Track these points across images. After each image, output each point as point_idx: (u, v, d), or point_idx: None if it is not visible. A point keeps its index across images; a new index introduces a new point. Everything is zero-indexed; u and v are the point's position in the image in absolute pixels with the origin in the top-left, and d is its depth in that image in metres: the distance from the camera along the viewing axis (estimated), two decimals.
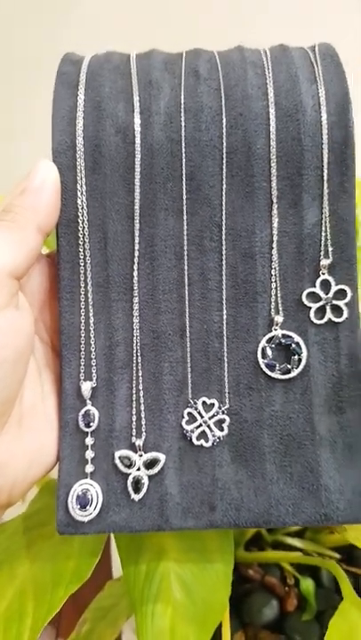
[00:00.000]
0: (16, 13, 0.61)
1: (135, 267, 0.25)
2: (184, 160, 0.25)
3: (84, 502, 0.24)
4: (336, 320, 0.25)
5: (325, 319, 0.25)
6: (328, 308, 0.25)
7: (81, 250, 0.25)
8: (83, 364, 0.25)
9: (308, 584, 0.41)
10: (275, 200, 0.25)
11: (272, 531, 0.45)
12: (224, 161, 0.25)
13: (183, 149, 0.25)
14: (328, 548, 0.44)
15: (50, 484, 0.32)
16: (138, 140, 0.25)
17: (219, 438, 0.25)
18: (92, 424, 0.25)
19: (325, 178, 0.25)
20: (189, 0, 0.59)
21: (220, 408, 0.25)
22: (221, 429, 0.25)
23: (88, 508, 0.24)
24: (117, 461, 0.24)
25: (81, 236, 0.25)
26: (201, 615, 0.28)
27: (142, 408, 0.25)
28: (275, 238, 0.25)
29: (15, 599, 0.27)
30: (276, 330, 0.25)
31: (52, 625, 0.37)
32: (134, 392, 0.25)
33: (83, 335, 0.25)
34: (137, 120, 0.25)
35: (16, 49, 0.62)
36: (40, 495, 0.32)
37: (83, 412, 0.25)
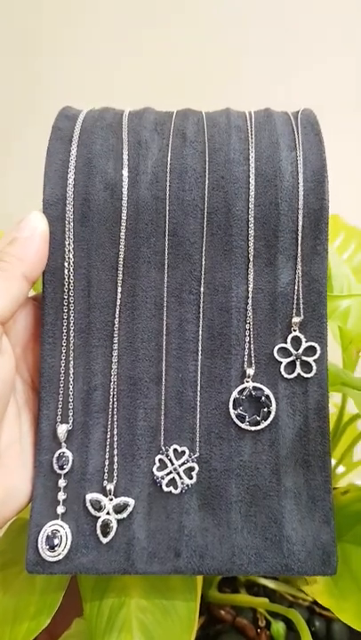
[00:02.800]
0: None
1: (117, 315, 0.27)
2: (168, 217, 0.27)
3: (52, 543, 0.25)
4: (305, 375, 0.27)
5: (295, 374, 0.27)
6: (298, 363, 0.27)
7: (65, 296, 0.27)
8: (60, 406, 0.27)
9: (278, 627, 0.42)
10: (251, 259, 0.27)
11: None
12: (205, 220, 0.27)
13: (167, 207, 0.27)
14: (301, 591, 0.45)
15: (17, 523, 0.33)
16: (125, 197, 0.27)
17: (187, 486, 0.27)
18: (65, 466, 0.26)
19: (300, 241, 0.27)
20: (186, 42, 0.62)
21: (190, 456, 0.27)
22: (190, 477, 0.27)
23: (57, 548, 0.25)
24: (88, 504, 0.26)
25: (66, 283, 0.27)
26: None
27: (115, 452, 0.27)
28: (250, 294, 0.27)
29: None
30: (247, 382, 0.27)
31: None
32: (109, 436, 0.27)
33: (62, 378, 0.27)
34: (125, 178, 0.27)
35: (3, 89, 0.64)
36: (7, 534, 0.33)
37: (57, 453, 0.26)
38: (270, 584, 0.44)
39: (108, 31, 0.62)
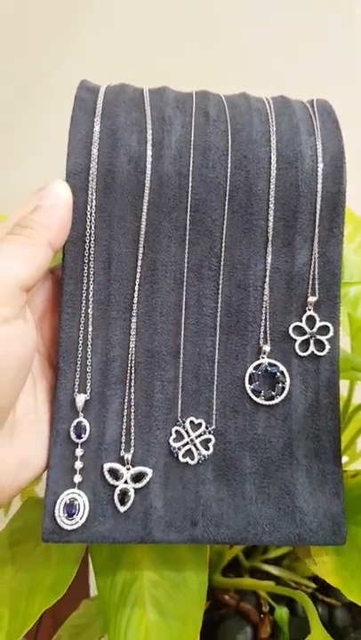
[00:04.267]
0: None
1: (136, 288, 0.28)
2: (190, 193, 0.28)
3: (70, 511, 0.26)
4: (318, 353, 0.29)
5: (309, 352, 0.29)
6: (312, 341, 0.29)
7: (85, 267, 0.28)
8: (78, 376, 0.28)
9: (282, 612, 0.44)
10: (270, 238, 0.29)
11: (250, 557, 0.47)
12: (227, 198, 0.28)
13: (190, 183, 0.28)
14: (305, 577, 0.46)
15: (28, 502, 0.34)
16: (148, 171, 0.28)
17: (204, 457, 0.28)
18: (82, 435, 0.27)
19: (317, 223, 0.29)
20: (192, 39, 0.63)
21: (206, 428, 0.28)
22: (207, 448, 0.28)
23: (75, 516, 0.26)
24: (106, 473, 0.27)
25: (87, 254, 0.28)
26: (174, 637, 0.30)
27: (132, 423, 0.28)
28: (267, 273, 0.29)
29: None
30: (263, 358, 0.29)
31: (28, 638, 0.39)
32: (126, 407, 0.28)
33: (80, 349, 0.28)
34: (149, 152, 0.28)
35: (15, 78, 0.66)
36: (19, 513, 0.34)
37: (75, 423, 0.27)
38: (274, 570, 0.46)
39: (111, 27, 0.64)
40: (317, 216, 0.29)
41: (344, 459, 0.49)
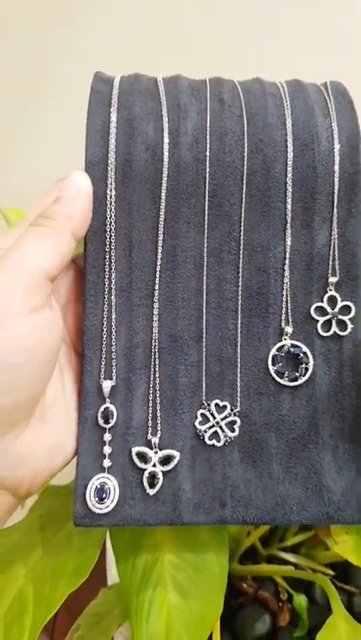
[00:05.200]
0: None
1: (157, 274, 0.29)
2: (208, 178, 0.29)
3: (101, 495, 0.27)
4: (341, 333, 0.30)
5: (331, 332, 0.30)
6: (334, 322, 0.30)
7: (107, 256, 0.29)
8: (103, 363, 0.29)
9: (300, 600, 0.45)
10: (289, 220, 0.30)
11: (267, 545, 0.48)
12: (244, 182, 0.29)
13: (208, 169, 0.29)
14: (322, 565, 0.48)
15: (49, 490, 0.35)
16: (166, 158, 0.29)
17: (230, 439, 0.29)
18: (110, 421, 0.28)
19: (335, 203, 0.30)
20: (195, 37, 0.64)
21: (231, 410, 0.29)
22: (233, 430, 0.29)
23: (105, 500, 0.27)
24: (134, 457, 0.28)
25: (108, 243, 0.29)
26: (196, 618, 0.31)
27: (158, 407, 0.29)
28: (287, 255, 0.30)
29: (16, 600, 0.30)
30: (285, 339, 0.30)
31: (45, 633, 0.40)
32: (151, 392, 0.29)
33: (104, 336, 0.29)
34: (166, 139, 0.29)
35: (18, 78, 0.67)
36: (40, 501, 0.35)
37: (102, 409, 0.28)
38: (291, 558, 0.47)
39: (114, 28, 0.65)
40: (335, 197, 0.30)
41: None
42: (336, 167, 0.30)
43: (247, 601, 0.45)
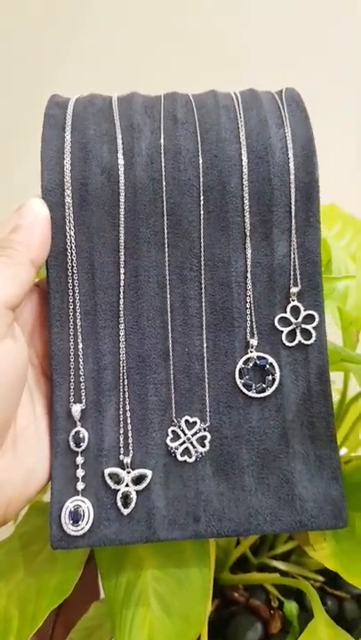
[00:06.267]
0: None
1: (121, 295, 0.31)
2: (165, 197, 0.31)
3: (76, 518, 0.29)
4: (306, 342, 0.31)
5: (296, 342, 0.31)
6: (298, 331, 0.31)
7: (70, 280, 0.31)
8: (72, 387, 0.30)
9: (291, 607, 0.46)
10: (248, 234, 0.31)
11: (258, 553, 0.50)
12: (201, 198, 0.31)
13: (164, 188, 0.31)
14: (313, 572, 0.49)
15: (36, 506, 0.37)
16: (122, 180, 0.30)
17: (201, 454, 0.30)
18: (81, 444, 0.30)
19: (293, 214, 0.31)
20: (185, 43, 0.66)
21: (201, 425, 0.31)
22: (203, 445, 0.30)
23: (80, 522, 0.29)
24: (107, 478, 0.30)
25: (70, 267, 0.31)
26: (179, 632, 0.32)
27: (129, 428, 0.30)
28: (249, 269, 0.31)
29: (1, 616, 0.32)
30: (251, 352, 0.31)
31: None
32: (121, 413, 0.30)
33: (72, 360, 0.30)
34: (120, 161, 0.31)
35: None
36: (26, 517, 0.37)
37: (73, 432, 0.30)
38: (282, 566, 0.48)
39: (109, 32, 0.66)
40: (293, 207, 0.31)
41: (343, 450, 0.52)
42: (292, 177, 0.31)
43: (239, 610, 0.47)
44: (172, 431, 0.31)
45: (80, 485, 0.29)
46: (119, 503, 0.29)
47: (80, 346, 0.31)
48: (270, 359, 0.31)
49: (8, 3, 0.67)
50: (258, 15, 0.66)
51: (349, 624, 0.48)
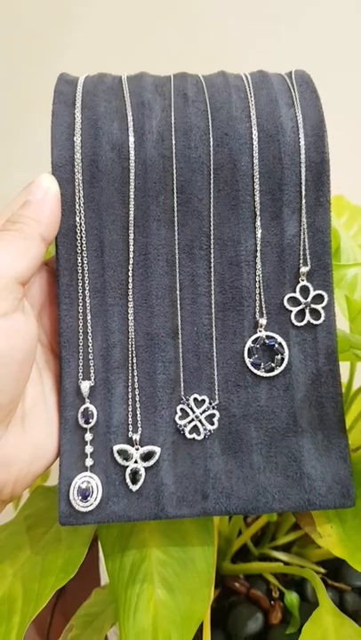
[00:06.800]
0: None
1: (130, 273, 0.31)
2: (175, 175, 0.31)
3: (85, 494, 0.29)
4: (315, 322, 0.32)
5: (305, 321, 0.32)
6: (307, 311, 0.32)
7: (79, 258, 0.31)
8: (81, 364, 0.31)
9: (292, 597, 0.47)
10: (258, 213, 0.32)
11: (259, 544, 0.51)
12: (211, 176, 0.32)
13: (174, 165, 0.31)
14: (314, 563, 0.50)
15: (39, 490, 0.37)
16: (132, 157, 0.31)
17: (210, 432, 0.31)
18: (90, 421, 0.30)
19: (303, 193, 0.32)
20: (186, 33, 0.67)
21: (210, 404, 0.31)
22: (212, 423, 0.31)
23: (89, 498, 0.29)
24: (116, 455, 0.30)
25: (79, 244, 0.31)
26: (183, 614, 0.33)
27: (138, 405, 0.31)
28: (258, 248, 0.32)
29: (5, 598, 0.32)
30: (260, 331, 0.32)
31: (41, 636, 0.42)
32: (130, 390, 0.31)
33: (81, 337, 0.31)
34: (131, 138, 0.31)
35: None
36: (30, 500, 0.37)
37: (82, 409, 0.30)
38: (283, 557, 0.49)
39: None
40: (303, 187, 0.32)
41: None
42: (302, 157, 0.32)
43: (239, 600, 0.47)
44: (181, 409, 0.31)
45: (89, 462, 0.30)
46: (128, 479, 0.30)
47: (89, 323, 0.31)
48: (279, 339, 0.32)
49: (7, 3, 0.68)
50: (258, 11, 0.67)
51: (350, 616, 0.48)
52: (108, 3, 0.68)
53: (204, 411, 0.31)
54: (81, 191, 0.31)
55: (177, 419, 0.31)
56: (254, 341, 0.32)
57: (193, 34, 0.67)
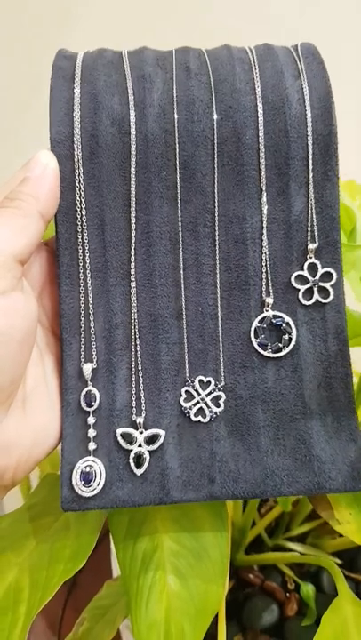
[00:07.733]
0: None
1: (132, 252, 0.32)
2: (178, 150, 0.31)
3: (88, 478, 0.29)
4: (323, 301, 0.32)
5: (313, 300, 0.32)
6: (315, 289, 0.32)
7: (79, 236, 0.31)
8: (83, 346, 0.31)
9: (308, 589, 0.47)
10: (264, 188, 0.32)
11: (273, 535, 0.51)
12: (215, 151, 0.32)
13: (177, 140, 0.31)
14: (329, 554, 0.50)
15: (48, 478, 0.38)
16: (133, 131, 0.31)
17: (216, 414, 0.31)
18: (93, 404, 0.30)
19: (311, 167, 0.32)
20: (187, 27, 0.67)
21: (216, 386, 0.31)
22: (218, 405, 0.31)
23: (92, 483, 0.29)
24: (119, 438, 0.30)
25: (79, 223, 0.31)
26: (197, 606, 0.33)
27: (142, 387, 0.31)
28: (264, 224, 0.32)
29: (11, 587, 0.33)
30: (267, 311, 0.32)
31: (52, 630, 0.42)
32: (133, 372, 0.31)
33: (82, 319, 0.31)
34: (132, 112, 0.31)
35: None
36: (39, 488, 0.37)
37: (84, 392, 0.31)
38: (297, 547, 0.49)
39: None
40: (310, 161, 0.32)
41: None
42: (309, 130, 0.32)
43: (254, 591, 0.48)
44: (186, 391, 0.31)
45: (92, 446, 0.30)
46: (132, 463, 0.30)
47: (90, 304, 0.31)
48: (286, 318, 0.32)
49: (7, 3, 0.69)
50: (258, 14, 0.67)
51: None
52: (108, 3, 0.69)
53: (210, 393, 0.31)
54: (80, 168, 0.31)
55: (182, 401, 0.31)
56: (261, 321, 0.32)
57: (193, 34, 0.67)
